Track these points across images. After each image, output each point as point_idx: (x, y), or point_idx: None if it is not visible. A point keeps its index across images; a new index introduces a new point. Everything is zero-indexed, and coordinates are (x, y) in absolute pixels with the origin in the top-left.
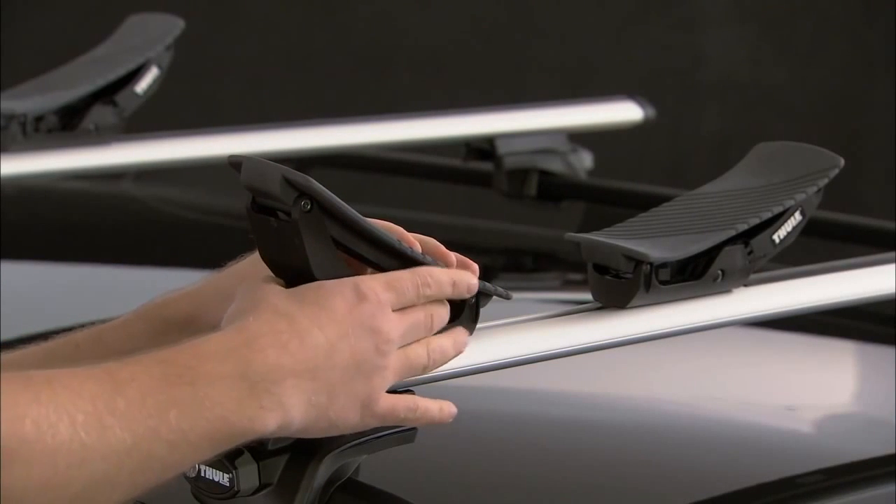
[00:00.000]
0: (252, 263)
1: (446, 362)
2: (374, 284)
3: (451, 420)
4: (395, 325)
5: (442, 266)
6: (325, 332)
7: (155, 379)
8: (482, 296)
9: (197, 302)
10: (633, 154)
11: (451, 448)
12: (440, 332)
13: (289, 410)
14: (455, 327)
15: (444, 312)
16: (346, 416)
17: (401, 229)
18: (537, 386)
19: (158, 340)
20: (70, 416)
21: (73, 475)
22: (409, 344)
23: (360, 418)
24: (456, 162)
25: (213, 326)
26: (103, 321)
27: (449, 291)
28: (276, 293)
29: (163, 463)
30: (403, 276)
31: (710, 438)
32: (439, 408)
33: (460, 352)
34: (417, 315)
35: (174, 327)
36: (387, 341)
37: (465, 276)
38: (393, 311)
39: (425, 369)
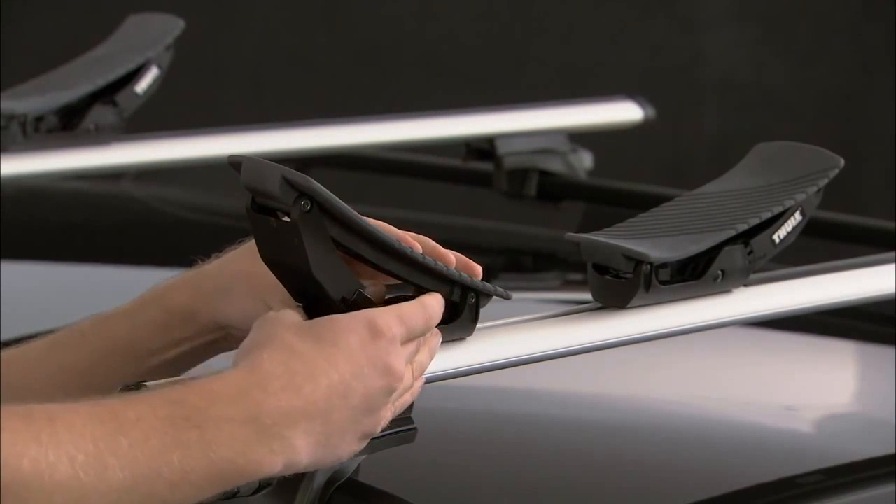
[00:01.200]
0: (250, 258)
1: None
2: (388, 320)
3: (420, 390)
4: (402, 360)
5: (442, 266)
6: (339, 373)
7: (161, 420)
8: (482, 296)
9: (197, 297)
10: (633, 154)
11: (452, 448)
12: None
13: (298, 452)
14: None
15: (434, 341)
16: (351, 448)
17: (400, 232)
18: (537, 386)
19: (161, 333)
20: (70, 457)
21: None
22: None
23: (361, 446)
24: (456, 162)
25: (214, 320)
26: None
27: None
28: (290, 328)
29: (163, 502)
30: (415, 312)
31: (710, 438)
32: (410, 393)
33: (433, 356)
34: (413, 345)
35: (176, 319)
36: (398, 379)
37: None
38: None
39: (409, 386)
